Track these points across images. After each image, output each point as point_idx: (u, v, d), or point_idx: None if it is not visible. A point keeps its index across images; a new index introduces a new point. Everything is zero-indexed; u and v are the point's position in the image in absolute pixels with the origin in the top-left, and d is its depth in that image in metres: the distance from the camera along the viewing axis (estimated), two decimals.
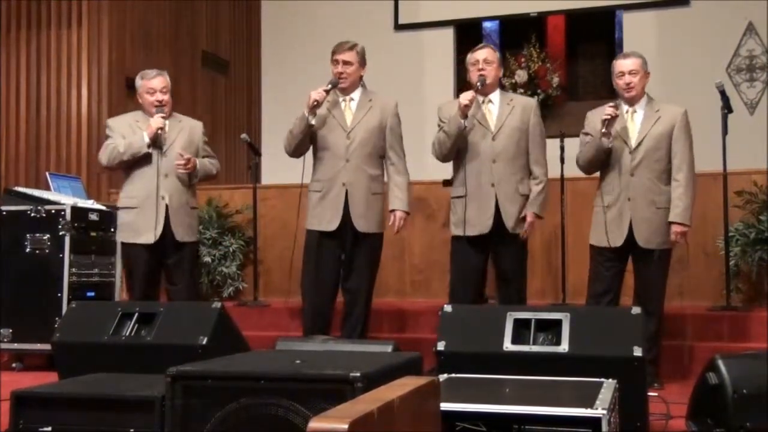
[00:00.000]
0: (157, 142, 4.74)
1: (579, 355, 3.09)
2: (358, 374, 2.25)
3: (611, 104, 4.45)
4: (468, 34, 8.97)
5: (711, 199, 5.34)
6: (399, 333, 5.30)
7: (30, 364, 5.25)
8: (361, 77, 4.72)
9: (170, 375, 2.42)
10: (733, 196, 5.24)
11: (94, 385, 2.96)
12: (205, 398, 2.39)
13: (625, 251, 4.48)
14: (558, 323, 3.20)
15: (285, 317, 5.51)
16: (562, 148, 5.59)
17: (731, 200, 5.19)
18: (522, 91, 8.48)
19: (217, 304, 3.70)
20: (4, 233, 5.26)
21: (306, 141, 4.66)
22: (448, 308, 3.41)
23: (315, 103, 4.52)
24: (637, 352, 3.04)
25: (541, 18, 9.06)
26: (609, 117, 4.36)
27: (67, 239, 5.19)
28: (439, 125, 4.62)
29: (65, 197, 5.59)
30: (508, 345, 3.18)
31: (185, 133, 4.90)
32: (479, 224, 4.50)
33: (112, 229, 5.57)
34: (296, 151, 4.70)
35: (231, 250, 6.42)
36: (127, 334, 3.67)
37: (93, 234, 5.43)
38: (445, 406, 2.18)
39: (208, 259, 6.30)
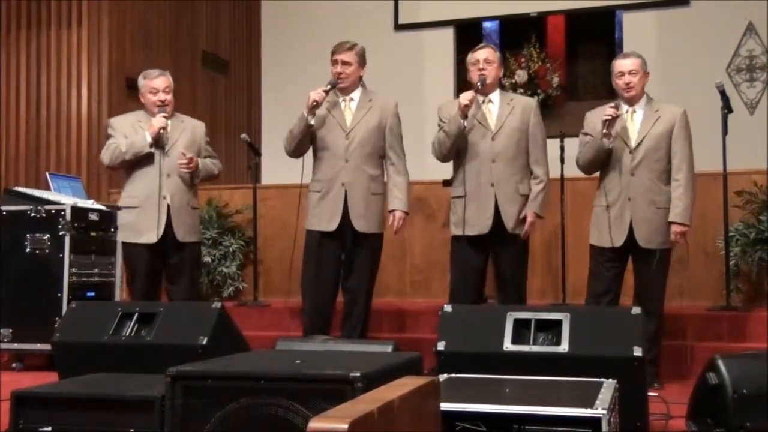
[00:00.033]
0: (159, 141, 4.74)
1: (579, 355, 3.09)
2: (358, 374, 2.25)
3: (612, 104, 4.45)
4: (468, 34, 8.97)
5: (711, 199, 5.34)
6: (399, 333, 5.30)
7: (30, 364, 5.25)
8: (360, 77, 4.72)
9: (170, 375, 2.42)
10: (733, 196, 5.24)
11: (94, 385, 2.96)
12: (205, 398, 2.39)
13: (625, 251, 4.48)
14: (558, 323, 3.20)
15: (285, 317, 5.51)
16: (562, 148, 5.60)
17: (731, 200, 5.19)
18: (522, 91, 8.48)
19: (217, 304, 3.70)
20: (4, 233, 5.25)
21: (306, 141, 4.66)
22: (448, 308, 3.41)
23: (314, 103, 4.52)
24: (637, 352, 3.04)
25: (541, 18, 9.06)
26: (610, 117, 4.36)
27: (67, 239, 5.19)
28: (439, 125, 4.62)
29: (65, 197, 5.59)
30: (508, 345, 3.18)
31: (187, 133, 4.90)
32: (479, 224, 4.50)
33: (112, 229, 5.57)
34: (296, 152, 4.70)
35: (231, 250, 6.42)
36: (127, 334, 3.67)
37: (93, 234, 5.43)
38: (445, 406, 2.18)
39: (208, 259, 6.29)
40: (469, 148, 4.55)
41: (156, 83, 4.83)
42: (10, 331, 5.18)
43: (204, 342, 3.46)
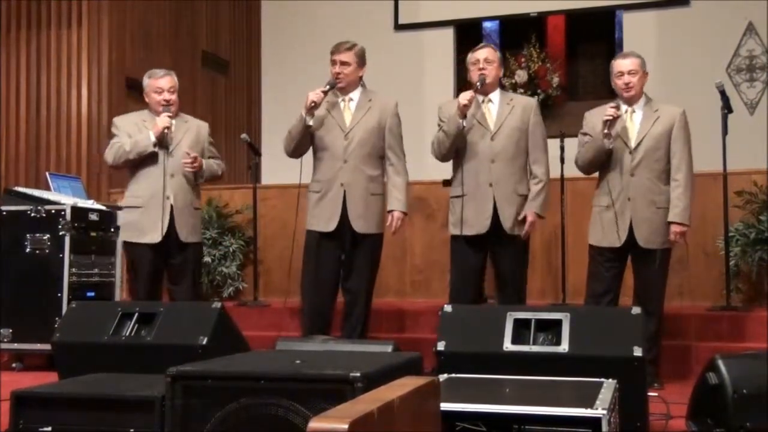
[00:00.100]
0: (163, 141, 4.74)
1: (579, 355, 3.09)
2: (358, 374, 2.25)
3: (612, 104, 4.45)
4: (468, 34, 8.97)
5: (711, 199, 5.34)
6: (399, 333, 5.30)
7: (30, 364, 5.25)
8: (360, 77, 4.71)
9: (170, 375, 2.42)
10: (733, 196, 5.24)
11: (94, 385, 2.96)
12: (205, 398, 2.39)
13: (625, 251, 4.48)
14: (558, 323, 3.20)
15: (285, 317, 5.51)
16: (562, 148, 5.59)
17: (731, 200, 5.19)
18: (522, 91, 8.48)
19: (217, 304, 3.70)
20: (4, 233, 5.25)
21: (305, 142, 4.66)
22: (448, 308, 3.41)
23: (312, 104, 4.51)
24: (637, 352, 3.04)
25: (541, 18, 9.07)
26: (611, 118, 4.36)
27: (67, 239, 5.19)
28: (438, 125, 4.62)
29: (65, 197, 5.59)
30: (508, 345, 3.18)
31: (191, 133, 4.91)
32: (477, 224, 4.50)
33: (112, 229, 5.58)
34: (295, 152, 4.70)
35: (231, 250, 6.42)
36: (127, 334, 3.67)
37: (93, 234, 5.43)
38: (445, 406, 2.18)
39: (208, 259, 6.29)
40: (468, 148, 4.55)
41: (161, 83, 4.83)
42: (10, 331, 5.18)
43: (204, 342, 3.46)
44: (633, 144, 4.44)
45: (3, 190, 5.88)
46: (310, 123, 4.57)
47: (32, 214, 5.23)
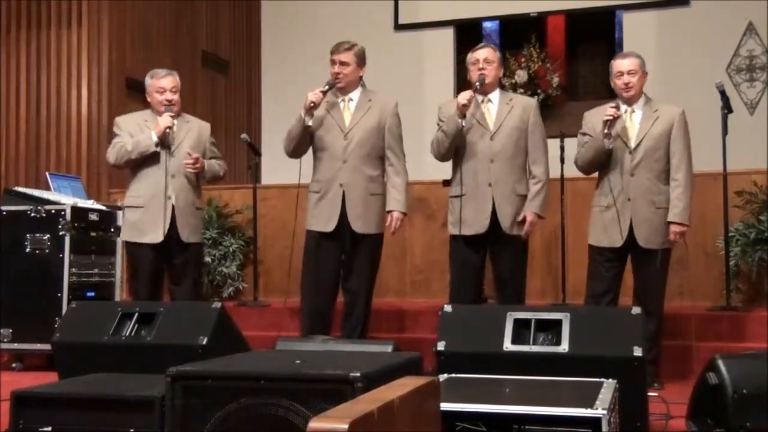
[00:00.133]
0: (165, 141, 4.74)
1: (579, 355, 3.09)
2: (358, 374, 2.25)
3: (612, 105, 4.45)
4: (468, 34, 8.97)
5: (711, 199, 5.34)
6: (399, 333, 5.30)
7: (30, 364, 5.25)
8: (360, 77, 4.71)
9: (170, 375, 2.42)
10: (733, 196, 5.24)
11: (94, 385, 2.96)
12: (205, 398, 2.39)
13: (625, 251, 4.48)
14: (558, 323, 3.20)
15: (285, 317, 5.51)
16: (562, 148, 5.60)
17: (731, 200, 5.19)
18: (522, 91, 8.48)
19: (217, 304, 3.70)
20: (4, 233, 5.26)
21: (305, 142, 4.66)
22: (448, 308, 3.41)
23: (311, 104, 4.51)
24: (637, 352, 3.04)
25: (541, 18, 9.07)
26: (611, 118, 4.36)
27: (67, 239, 5.19)
28: (438, 124, 4.62)
29: (65, 197, 5.59)
30: (508, 345, 3.18)
31: (193, 133, 4.90)
32: (476, 224, 4.50)
33: (112, 229, 5.58)
34: (295, 152, 4.70)
35: (231, 250, 6.42)
36: (127, 334, 3.67)
37: (93, 234, 5.43)
38: (445, 406, 2.18)
39: (208, 259, 6.29)
40: (467, 148, 4.54)
41: (163, 83, 4.83)
42: (10, 331, 5.18)
43: (204, 342, 3.46)
44: (633, 144, 4.44)
45: (3, 190, 5.88)
46: (310, 123, 4.57)
47: (32, 214, 5.23)
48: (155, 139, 4.72)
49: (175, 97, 4.83)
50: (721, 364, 2.91)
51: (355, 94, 4.70)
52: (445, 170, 4.87)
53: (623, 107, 4.49)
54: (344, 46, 4.67)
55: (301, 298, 4.72)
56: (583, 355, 3.08)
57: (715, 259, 5.43)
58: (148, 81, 4.89)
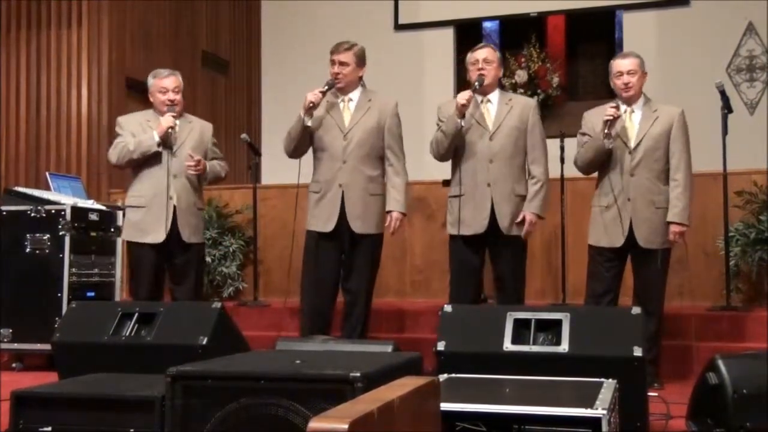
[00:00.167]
0: (167, 141, 4.74)
1: (579, 355, 3.09)
2: (358, 374, 2.25)
3: (612, 104, 4.45)
4: (468, 34, 8.98)
5: (711, 199, 5.34)
6: (399, 333, 5.30)
7: (30, 364, 5.25)
8: (360, 78, 4.71)
9: (170, 375, 2.42)
10: (733, 196, 5.24)
11: (94, 385, 2.96)
12: (205, 398, 2.39)
13: (625, 251, 4.48)
14: (558, 323, 3.20)
15: (285, 317, 5.51)
16: (562, 148, 5.60)
17: (731, 200, 5.19)
18: (522, 91, 8.48)
19: (217, 304, 3.70)
20: (4, 233, 5.26)
21: (304, 142, 4.66)
22: (448, 308, 3.41)
23: (310, 104, 4.51)
24: (637, 352, 3.04)
25: (541, 18, 9.07)
26: (611, 118, 4.36)
27: (67, 239, 5.19)
28: (437, 124, 4.62)
29: (65, 197, 5.59)
30: (508, 345, 3.18)
31: (195, 133, 4.90)
32: (475, 224, 4.50)
33: (112, 229, 5.57)
34: (295, 153, 4.69)
35: (231, 250, 6.42)
36: (127, 334, 3.67)
37: (93, 234, 5.43)
38: (445, 406, 2.18)
39: (208, 259, 6.29)
40: (466, 148, 4.54)
41: (165, 83, 4.83)
42: (10, 331, 5.18)
43: (204, 342, 3.46)
44: (632, 144, 4.44)
45: (3, 190, 5.88)
46: (309, 124, 4.57)
47: (32, 214, 5.23)
48: (157, 139, 4.71)
49: (178, 97, 4.83)
50: (721, 364, 2.91)
51: (355, 94, 4.70)
52: (445, 170, 4.87)
53: (623, 107, 4.49)
54: (344, 46, 4.67)
55: (301, 298, 4.72)
56: (583, 355, 3.08)
57: (715, 259, 5.43)
58: (151, 81, 4.88)
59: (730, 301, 5.16)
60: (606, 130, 4.37)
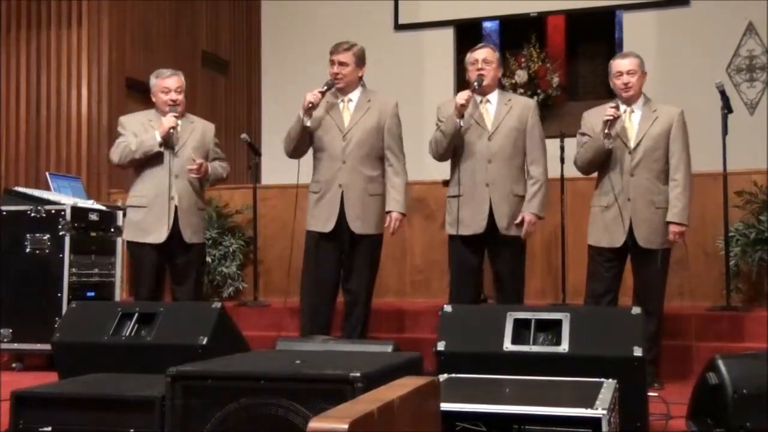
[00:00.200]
0: (168, 141, 4.73)
1: (579, 355, 3.09)
2: (358, 374, 2.25)
3: (612, 104, 4.45)
4: (468, 34, 8.98)
5: (711, 199, 5.34)
6: (399, 333, 5.30)
7: (30, 364, 5.25)
8: (360, 78, 4.71)
9: (170, 375, 2.42)
10: (733, 196, 5.24)
11: (94, 385, 2.96)
12: (205, 398, 2.39)
13: (624, 251, 4.48)
14: (558, 323, 3.20)
15: (285, 317, 5.51)
16: (562, 148, 5.60)
17: (731, 200, 5.19)
18: (522, 91, 8.48)
19: (217, 304, 3.70)
20: (4, 233, 5.26)
21: (304, 143, 4.66)
22: (448, 308, 3.41)
23: (309, 105, 4.50)
24: (637, 352, 3.04)
25: (541, 18, 9.07)
26: (611, 118, 4.35)
27: (67, 239, 5.19)
28: (437, 124, 4.62)
29: (65, 197, 5.59)
30: (508, 345, 3.18)
31: (197, 133, 4.90)
32: (473, 224, 4.50)
33: (112, 229, 5.57)
34: (295, 153, 4.69)
35: (231, 250, 6.42)
36: (127, 334, 3.67)
37: (93, 234, 5.43)
38: (445, 406, 2.18)
39: (208, 259, 6.29)
40: (465, 148, 4.54)
41: (168, 83, 4.82)
42: (10, 331, 5.18)
43: (204, 342, 3.46)
44: (632, 144, 4.44)
45: (3, 190, 5.88)
46: (308, 124, 4.56)
47: (32, 214, 5.23)
48: (159, 139, 4.71)
49: (180, 97, 4.83)
50: (721, 364, 2.91)
51: (355, 95, 4.70)
52: (445, 170, 4.87)
53: (622, 107, 4.49)
54: (343, 46, 4.66)
55: (301, 298, 4.72)
56: (583, 355, 3.08)
57: (715, 259, 5.43)
58: (153, 81, 4.88)
59: (730, 301, 5.16)
60: (606, 130, 4.37)
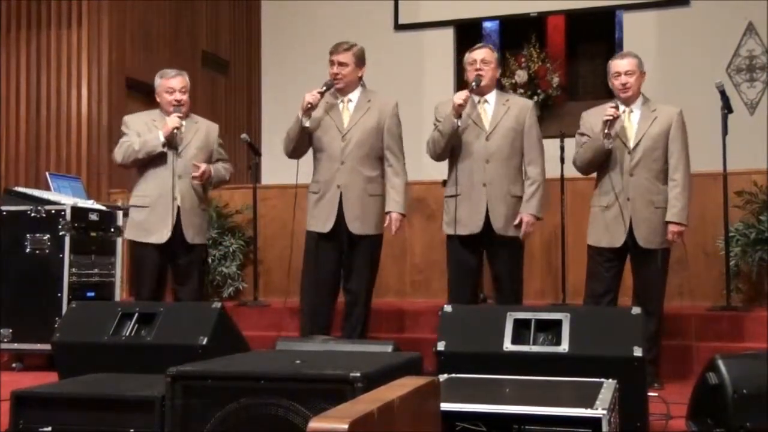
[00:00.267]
0: (172, 142, 4.73)
1: (579, 355, 3.09)
2: (358, 374, 2.25)
3: (611, 104, 4.45)
4: (468, 34, 8.98)
5: (711, 199, 5.34)
6: (399, 333, 5.30)
7: (30, 364, 5.25)
8: (359, 78, 4.70)
9: (170, 375, 2.42)
10: (733, 196, 5.24)
11: (94, 385, 2.96)
12: (205, 398, 2.39)
13: (624, 251, 4.48)
14: (558, 323, 3.20)
15: (285, 317, 5.51)
16: (562, 148, 5.60)
17: (731, 200, 5.19)
18: (522, 91, 8.49)
19: (217, 304, 3.70)
20: (4, 233, 5.25)
21: (303, 143, 4.66)
22: (448, 308, 3.41)
23: (308, 105, 4.50)
24: (637, 352, 3.04)
25: (541, 18, 9.07)
26: (611, 118, 4.35)
27: (67, 239, 5.19)
28: (434, 124, 4.62)
29: (65, 197, 5.59)
30: (508, 345, 3.18)
31: (201, 134, 4.90)
32: (470, 224, 4.50)
33: (112, 229, 5.57)
34: (294, 153, 4.69)
35: (231, 250, 6.42)
36: (127, 334, 3.67)
37: (93, 234, 5.43)
38: (445, 406, 2.18)
39: (208, 259, 6.29)
40: (463, 148, 4.54)
41: (172, 83, 4.82)
42: (10, 331, 5.18)
43: (204, 342, 3.46)
44: (631, 144, 4.44)
45: (3, 190, 5.88)
46: (307, 124, 4.56)
47: (32, 214, 5.23)
48: (162, 139, 4.71)
49: (184, 97, 4.83)
50: (721, 364, 2.91)
51: (355, 95, 4.69)
52: (445, 170, 4.87)
53: (621, 107, 4.49)
54: (343, 46, 4.66)
55: (301, 298, 4.72)
56: (583, 355, 3.08)
57: (715, 259, 5.43)
58: (158, 81, 4.88)
59: (730, 301, 5.16)
60: (606, 131, 4.37)
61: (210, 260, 6.32)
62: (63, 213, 5.22)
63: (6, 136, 7.34)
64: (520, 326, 3.23)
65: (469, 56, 4.64)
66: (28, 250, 5.22)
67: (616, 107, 4.41)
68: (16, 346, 5.19)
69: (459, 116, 4.44)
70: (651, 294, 4.43)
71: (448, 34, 9.10)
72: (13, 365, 5.22)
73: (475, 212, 4.49)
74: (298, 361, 2.57)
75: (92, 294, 5.32)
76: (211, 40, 8.85)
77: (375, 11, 9.10)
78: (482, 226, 4.48)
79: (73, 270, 5.21)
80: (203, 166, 4.76)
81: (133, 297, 5.24)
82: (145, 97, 7.29)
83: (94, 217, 5.46)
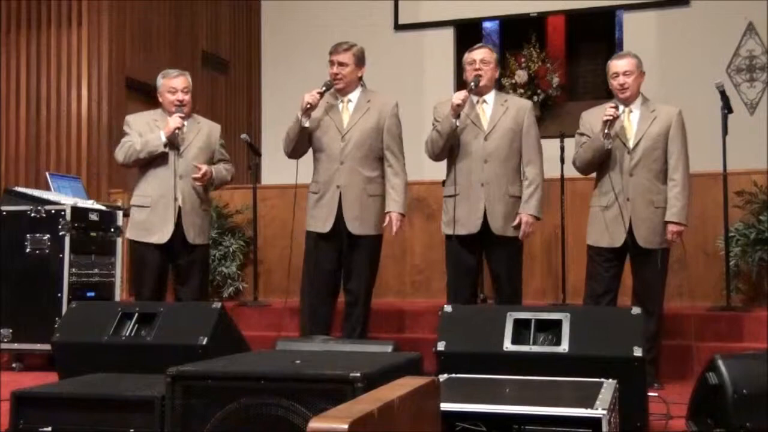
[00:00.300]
0: (174, 142, 4.73)
1: (579, 355, 3.09)
2: (358, 374, 2.25)
3: (611, 104, 4.45)
4: (468, 34, 8.98)
5: (711, 199, 5.34)
6: (399, 333, 5.30)
7: (30, 364, 5.25)
8: (359, 78, 4.70)
9: (170, 375, 2.42)
10: (733, 196, 5.24)
11: (94, 385, 2.96)
12: (205, 398, 2.39)
13: (624, 251, 4.48)
14: (558, 323, 3.20)
15: (285, 317, 5.51)
16: (562, 148, 5.59)
17: (731, 200, 5.19)
18: (522, 91, 8.48)
19: (217, 304, 3.70)
20: (4, 233, 5.25)
21: (303, 143, 4.66)
22: (448, 308, 3.41)
23: (308, 105, 4.50)
24: (637, 352, 3.05)
25: (541, 18, 9.07)
26: (611, 118, 4.35)
27: (67, 239, 5.19)
28: (433, 124, 4.62)
29: (65, 197, 5.59)
30: (508, 345, 3.18)
31: (203, 134, 4.90)
32: (468, 224, 4.50)
33: (112, 229, 5.57)
34: (294, 153, 4.69)
35: (231, 250, 6.42)
36: (127, 334, 3.67)
37: (93, 234, 5.43)
38: (445, 406, 2.18)
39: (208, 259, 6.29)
40: (461, 148, 4.54)
41: (175, 83, 4.82)
42: (10, 331, 5.17)
43: (204, 342, 3.46)
44: (631, 144, 4.44)
45: (3, 190, 5.88)
46: (306, 125, 4.56)
47: (32, 214, 5.23)
48: (164, 139, 4.71)
49: (186, 97, 4.83)
50: (721, 364, 2.91)
51: (355, 95, 4.69)
52: (445, 170, 4.87)
53: (621, 107, 4.49)
54: (343, 46, 4.66)
55: (301, 298, 4.73)
56: (583, 355, 3.08)
57: (715, 259, 5.43)
58: (160, 81, 4.88)
59: (730, 301, 5.16)
60: (605, 131, 4.37)
61: (210, 260, 6.31)
62: (63, 213, 5.22)
63: (6, 136, 7.34)
64: (520, 326, 3.23)
65: (468, 56, 4.64)
66: (28, 250, 5.22)
67: (616, 107, 4.41)
68: (16, 346, 5.19)
69: (457, 116, 4.44)
70: (651, 294, 4.43)
71: (448, 34, 9.10)
72: (13, 365, 5.22)
73: (473, 212, 4.49)
74: (298, 361, 2.57)
75: (92, 294, 5.31)
76: (211, 40, 8.85)
77: (375, 11, 9.10)
78: (480, 226, 4.48)
79: (73, 270, 5.21)
80: (204, 168, 4.76)
81: (133, 297, 5.23)
82: (145, 97, 7.30)
83: (94, 217, 5.46)
